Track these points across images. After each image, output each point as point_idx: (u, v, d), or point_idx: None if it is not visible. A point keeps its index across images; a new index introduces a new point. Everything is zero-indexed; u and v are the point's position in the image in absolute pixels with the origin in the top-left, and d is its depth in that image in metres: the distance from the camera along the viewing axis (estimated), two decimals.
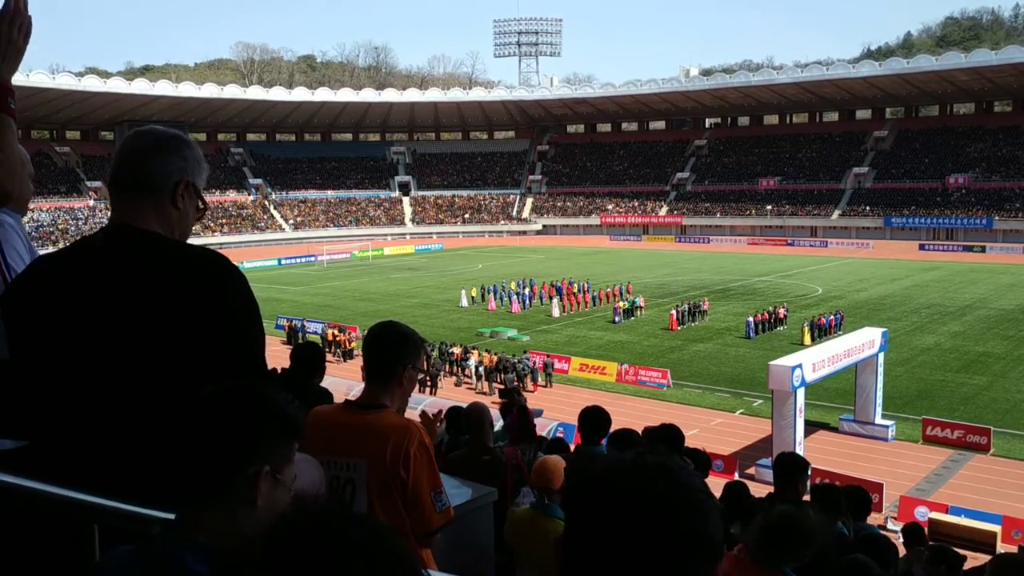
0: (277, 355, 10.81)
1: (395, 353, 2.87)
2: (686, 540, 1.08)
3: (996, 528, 16.16)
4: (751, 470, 19.97)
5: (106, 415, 1.82)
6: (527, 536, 4.12)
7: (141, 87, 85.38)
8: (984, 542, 15.17)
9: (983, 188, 78.05)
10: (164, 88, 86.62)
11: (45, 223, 73.66)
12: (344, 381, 24.78)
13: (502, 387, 28.06)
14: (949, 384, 27.39)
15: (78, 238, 2.17)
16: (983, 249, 70.02)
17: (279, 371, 5.23)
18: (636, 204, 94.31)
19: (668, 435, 5.66)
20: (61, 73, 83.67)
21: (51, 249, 2.18)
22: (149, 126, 2.16)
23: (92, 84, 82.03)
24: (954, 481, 19.77)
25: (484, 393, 27.87)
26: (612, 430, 5.59)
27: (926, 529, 13.55)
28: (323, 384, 5.29)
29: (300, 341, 25.90)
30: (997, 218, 73.54)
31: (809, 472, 5.36)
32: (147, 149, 2.08)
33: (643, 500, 1.08)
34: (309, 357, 5.23)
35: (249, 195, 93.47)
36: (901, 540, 8.75)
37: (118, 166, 2.11)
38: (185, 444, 1.50)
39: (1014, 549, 13.50)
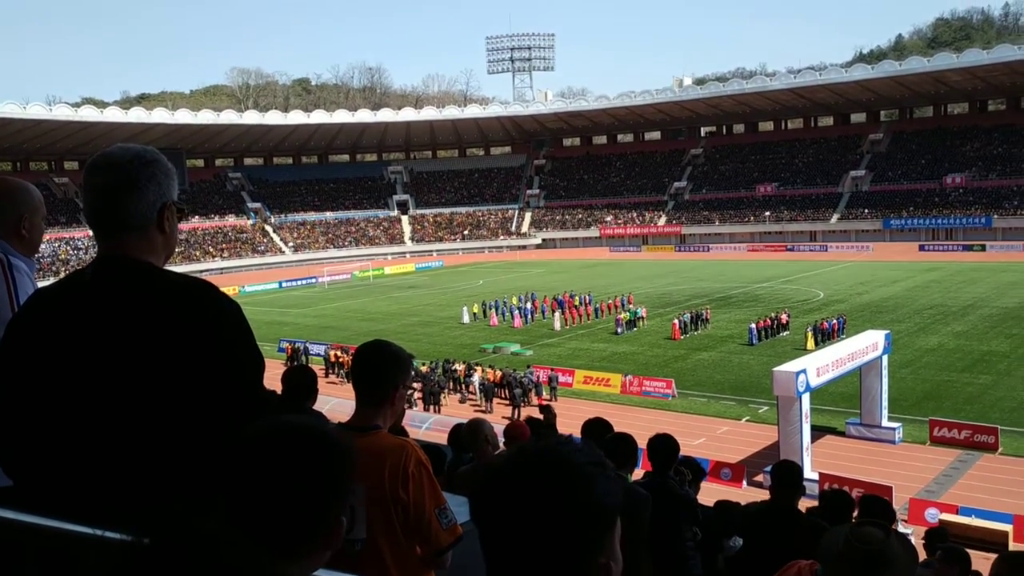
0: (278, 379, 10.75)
1: (386, 374, 2.85)
2: (579, 513, 1.12)
3: (1007, 528, 16.07)
4: (759, 477, 19.88)
5: (101, 450, 1.83)
6: None
7: (138, 115, 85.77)
8: (996, 542, 15.06)
9: (981, 187, 78.07)
10: (161, 116, 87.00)
11: (46, 254, 73.67)
12: (349, 402, 24.69)
13: (507, 403, 28.03)
14: (954, 384, 27.32)
15: (73, 270, 2.16)
16: (983, 248, 70.00)
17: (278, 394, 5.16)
18: (634, 215, 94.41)
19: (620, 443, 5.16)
20: (58, 104, 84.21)
21: (52, 280, 2.15)
22: (110, 152, 2.04)
23: (89, 114, 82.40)
24: (963, 482, 19.69)
25: (482, 410, 27.69)
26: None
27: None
28: (330, 407, 5.24)
29: (295, 364, 25.83)
30: (996, 216, 73.50)
31: (803, 483, 5.28)
32: (122, 188, 1.99)
33: (532, 485, 1.14)
34: (300, 380, 5.11)
35: (248, 219, 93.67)
36: (924, 544, 8.69)
37: (95, 207, 2.02)
38: (245, 502, 1.33)
39: None
